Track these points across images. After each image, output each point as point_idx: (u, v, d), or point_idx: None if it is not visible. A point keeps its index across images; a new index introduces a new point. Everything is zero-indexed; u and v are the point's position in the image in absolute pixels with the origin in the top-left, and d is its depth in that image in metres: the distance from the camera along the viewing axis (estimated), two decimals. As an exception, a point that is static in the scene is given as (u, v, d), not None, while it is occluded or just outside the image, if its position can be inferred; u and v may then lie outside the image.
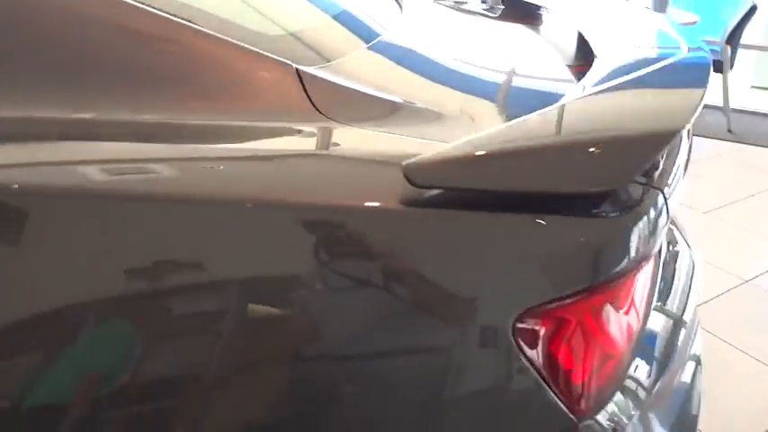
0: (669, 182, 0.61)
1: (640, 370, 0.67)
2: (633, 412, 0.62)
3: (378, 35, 0.79)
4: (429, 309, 0.52)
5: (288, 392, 0.52)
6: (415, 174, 0.49)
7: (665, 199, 0.59)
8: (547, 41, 0.99)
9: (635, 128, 0.56)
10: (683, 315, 0.82)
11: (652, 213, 0.57)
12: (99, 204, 0.47)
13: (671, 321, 0.79)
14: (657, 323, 0.76)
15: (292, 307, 0.51)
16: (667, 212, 0.59)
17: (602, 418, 0.57)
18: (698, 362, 0.80)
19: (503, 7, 1.14)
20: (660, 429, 0.65)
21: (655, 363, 0.70)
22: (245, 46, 0.57)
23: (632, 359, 0.64)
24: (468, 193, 0.51)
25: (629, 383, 0.64)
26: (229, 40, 0.56)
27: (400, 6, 1.03)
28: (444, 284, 0.51)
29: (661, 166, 0.61)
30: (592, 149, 0.52)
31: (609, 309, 0.57)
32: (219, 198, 0.49)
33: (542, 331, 0.53)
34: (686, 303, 0.84)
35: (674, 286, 0.86)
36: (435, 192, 0.50)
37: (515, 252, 0.53)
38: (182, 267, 0.48)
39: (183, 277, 0.48)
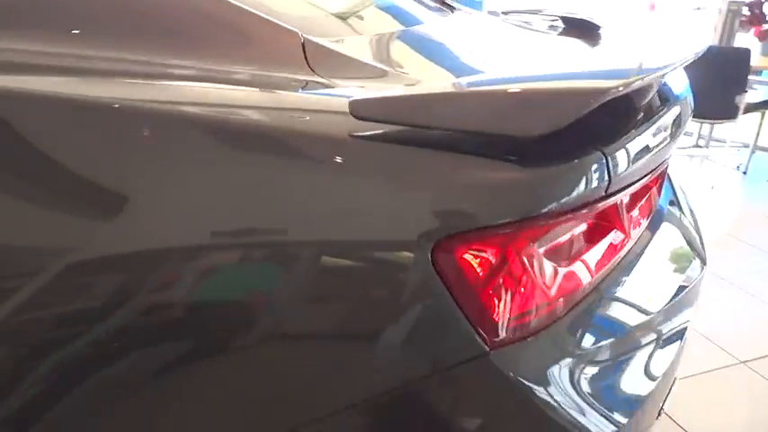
0: (614, 144, 0.64)
1: (580, 330, 0.69)
2: (553, 364, 0.64)
3: (404, 27, 0.91)
4: (360, 227, 0.58)
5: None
6: (357, 109, 0.57)
7: (607, 159, 0.62)
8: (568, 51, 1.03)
9: (567, 86, 0.60)
10: (664, 310, 0.82)
11: (585, 169, 0.61)
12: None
13: (649, 311, 0.80)
14: (629, 305, 0.78)
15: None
16: (609, 174, 0.62)
17: (515, 354, 0.61)
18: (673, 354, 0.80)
19: (562, 26, 1.20)
20: (585, 388, 0.66)
21: (605, 333, 0.72)
22: (271, 19, 0.71)
23: (566, 314, 0.66)
24: (401, 127, 0.58)
25: (562, 338, 0.66)
26: (262, 15, 0.71)
27: (451, 10, 1.14)
28: (369, 207, 0.58)
29: (605, 128, 0.65)
30: (519, 98, 0.57)
31: (533, 251, 0.61)
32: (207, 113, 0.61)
33: (461, 259, 0.58)
34: (675, 302, 0.85)
35: (671, 283, 0.88)
36: (374, 124, 0.58)
37: (439, 183, 0.58)
38: None
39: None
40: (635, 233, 0.80)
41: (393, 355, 0.59)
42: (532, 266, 0.62)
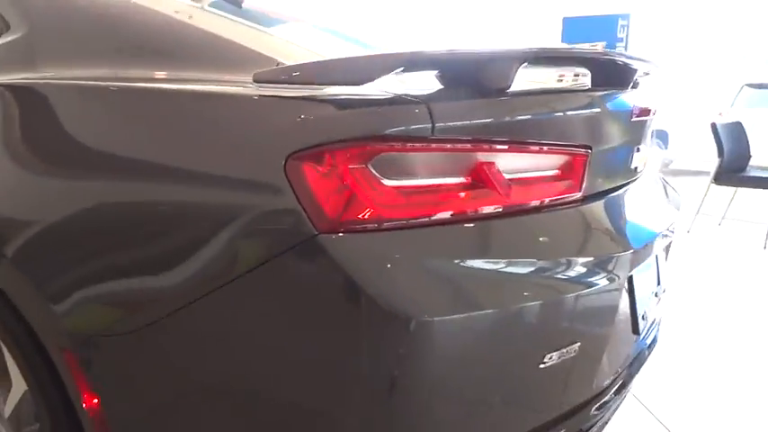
0: (440, 100, 0.83)
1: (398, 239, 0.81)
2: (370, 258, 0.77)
3: None
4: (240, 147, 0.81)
5: None
6: (257, 77, 0.85)
7: (430, 113, 0.79)
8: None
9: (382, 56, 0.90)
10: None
11: (405, 112, 0.79)
12: None
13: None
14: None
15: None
16: (432, 124, 0.79)
17: (338, 241, 0.75)
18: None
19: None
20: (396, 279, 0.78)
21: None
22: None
23: (386, 224, 0.79)
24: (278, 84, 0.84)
25: (382, 241, 0.79)
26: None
27: None
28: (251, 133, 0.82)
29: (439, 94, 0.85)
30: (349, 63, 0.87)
31: (359, 165, 0.77)
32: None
33: (304, 167, 0.76)
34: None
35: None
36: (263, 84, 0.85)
37: (292, 117, 0.79)
38: None
39: None
40: (505, 193, 0.88)
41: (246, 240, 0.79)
42: (359, 176, 0.77)
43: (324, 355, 0.78)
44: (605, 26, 5.48)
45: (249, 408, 0.83)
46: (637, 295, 1.21)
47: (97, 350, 0.90)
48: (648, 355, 1.42)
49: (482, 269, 0.84)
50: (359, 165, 0.77)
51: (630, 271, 1.07)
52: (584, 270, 0.96)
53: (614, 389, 1.14)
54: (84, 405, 0.91)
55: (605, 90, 1.11)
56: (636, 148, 1.28)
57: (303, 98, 0.82)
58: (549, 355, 0.89)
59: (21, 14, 1.21)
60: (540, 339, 0.88)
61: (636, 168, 1.30)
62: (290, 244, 0.76)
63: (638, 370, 1.40)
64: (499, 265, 0.86)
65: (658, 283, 1.46)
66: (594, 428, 1.08)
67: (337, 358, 0.77)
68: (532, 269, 0.89)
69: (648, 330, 1.39)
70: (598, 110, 1.07)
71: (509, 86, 0.90)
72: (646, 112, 1.26)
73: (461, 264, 0.82)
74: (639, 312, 1.24)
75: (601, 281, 0.98)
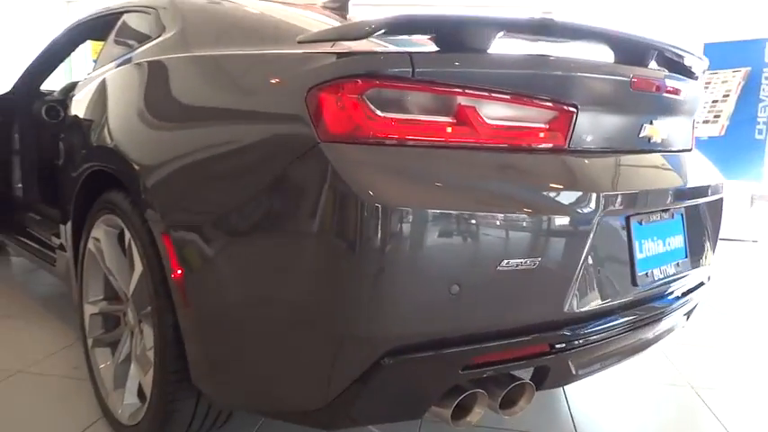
0: (422, 53, 1.12)
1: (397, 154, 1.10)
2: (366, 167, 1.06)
3: None
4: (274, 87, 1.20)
5: None
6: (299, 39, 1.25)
7: (412, 60, 1.08)
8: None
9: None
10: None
11: (392, 58, 1.11)
12: None
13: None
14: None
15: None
16: (413, 69, 1.07)
17: (339, 149, 1.06)
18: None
19: None
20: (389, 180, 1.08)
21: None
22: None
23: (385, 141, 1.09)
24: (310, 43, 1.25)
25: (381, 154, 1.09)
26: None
27: None
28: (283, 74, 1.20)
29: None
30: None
31: (355, 95, 1.06)
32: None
33: (319, 96, 1.08)
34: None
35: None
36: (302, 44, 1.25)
37: (311, 62, 1.15)
38: None
39: None
40: (482, 133, 1.15)
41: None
42: (355, 103, 1.07)
43: (322, 238, 1.05)
44: (751, 51, 5.19)
45: (279, 285, 1.13)
46: (637, 247, 1.35)
47: (182, 237, 1.27)
48: (664, 322, 1.51)
49: (451, 181, 1.09)
50: (356, 95, 1.07)
51: (622, 217, 1.29)
52: (554, 199, 1.15)
53: (600, 323, 1.28)
54: (171, 276, 1.29)
55: (597, 60, 1.29)
56: (648, 120, 1.42)
57: (322, 51, 1.16)
58: (506, 261, 1.09)
59: (173, 21, 1.71)
60: (498, 246, 1.09)
61: (649, 140, 1.44)
62: (302, 152, 1.08)
63: (653, 335, 1.50)
64: (466, 180, 1.10)
65: (685, 256, 1.55)
66: (571, 350, 1.23)
67: (333, 240, 1.04)
68: (499, 188, 1.12)
69: (660, 293, 1.48)
70: (587, 75, 1.25)
71: (487, 48, 1.15)
72: (660, 87, 1.40)
73: (432, 174, 1.08)
74: (640, 266, 1.37)
75: (572, 213, 1.16)
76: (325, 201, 1.04)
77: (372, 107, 1.08)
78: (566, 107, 1.23)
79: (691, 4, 5.81)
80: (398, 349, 1.08)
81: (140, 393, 1.59)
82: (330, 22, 1.88)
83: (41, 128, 3.11)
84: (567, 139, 1.24)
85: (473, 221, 1.07)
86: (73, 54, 3.04)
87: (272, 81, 1.21)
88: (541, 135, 1.22)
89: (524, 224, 1.11)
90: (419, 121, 1.11)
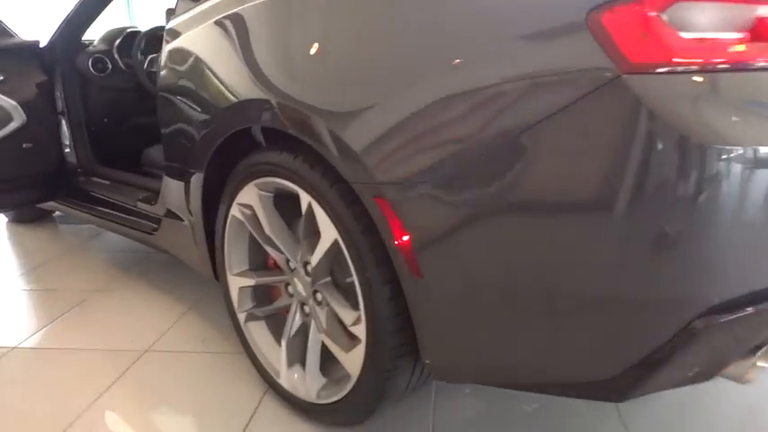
0: None
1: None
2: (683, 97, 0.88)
3: None
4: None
5: None
6: None
7: None
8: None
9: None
10: None
11: None
12: None
13: None
14: None
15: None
16: None
17: (645, 80, 0.87)
18: None
19: None
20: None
21: None
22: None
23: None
24: None
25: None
26: None
27: None
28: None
29: None
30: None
31: (659, 16, 0.87)
32: None
33: (603, 19, 0.89)
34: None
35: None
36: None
37: None
38: None
39: None
40: None
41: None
42: (654, 24, 0.87)
43: (629, 180, 0.88)
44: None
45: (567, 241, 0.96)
46: None
47: (408, 199, 1.08)
48: None
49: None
50: (657, 13, 0.87)
51: None
52: None
53: None
54: (395, 243, 1.12)
55: None
56: None
57: None
58: None
59: None
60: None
61: None
62: (590, 89, 0.88)
63: None
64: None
65: None
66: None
67: (655, 193, 0.87)
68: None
69: None
70: None
71: None
72: None
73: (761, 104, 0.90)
74: None
75: None
76: (640, 146, 0.87)
77: (676, 27, 0.88)
78: None
79: None
80: (713, 309, 0.94)
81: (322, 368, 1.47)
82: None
83: (88, 83, 2.83)
84: None
85: None
86: (115, -3, 2.72)
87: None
88: None
89: None
90: (731, 41, 0.91)
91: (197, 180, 1.64)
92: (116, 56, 2.88)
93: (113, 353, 1.90)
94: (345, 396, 1.35)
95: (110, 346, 1.94)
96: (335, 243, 1.26)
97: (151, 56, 2.79)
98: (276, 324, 1.64)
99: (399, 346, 1.22)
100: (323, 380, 1.47)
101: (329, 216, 1.25)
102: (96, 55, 2.83)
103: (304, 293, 1.44)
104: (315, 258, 1.34)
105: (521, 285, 1.03)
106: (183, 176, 1.71)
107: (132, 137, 2.97)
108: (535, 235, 0.98)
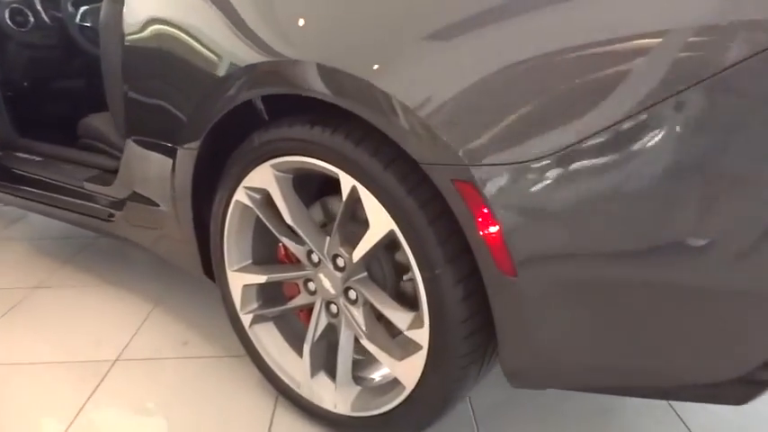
0: None
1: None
2: None
3: None
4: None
5: None
6: None
7: None
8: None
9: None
10: None
11: None
12: None
13: None
14: None
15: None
16: None
17: None
18: None
19: None
20: None
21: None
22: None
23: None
24: None
25: None
26: None
27: None
28: None
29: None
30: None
31: None
32: None
33: None
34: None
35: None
36: None
37: None
38: None
39: None
40: None
41: None
42: None
43: None
44: None
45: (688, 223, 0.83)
46: None
47: (499, 179, 0.90)
48: None
49: None
50: None
51: None
52: None
53: None
54: (480, 233, 0.94)
55: None
56: None
57: None
58: None
59: None
60: None
61: None
62: None
63: None
64: None
65: None
66: None
67: None
68: None
69: None
70: None
71: None
72: None
73: None
74: None
75: None
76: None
77: None
78: None
79: None
80: None
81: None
82: None
83: (5, 38, 2.39)
84: None
85: None
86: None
87: None
88: None
89: None
90: None
91: (187, 158, 1.36)
92: (39, 7, 2.43)
93: (77, 365, 1.60)
94: (396, 408, 1.17)
95: (70, 357, 1.63)
96: (389, 234, 1.06)
97: (84, 7, 2.38)
98: (287, 326, 1.42)
99: (471, 352, 1.06)
100: (356, 388, 1.28)
101: (382, 203, 1.05)
102: (14, 5, 2.37)
103: (333, 291, 1.23)
104: (358, 252, 1.13)
105: (640, 282, 0.88)
106: (167, 154, 1.42)
107: (60, 104, 2.55)
108: (666, 224, 0.84)
